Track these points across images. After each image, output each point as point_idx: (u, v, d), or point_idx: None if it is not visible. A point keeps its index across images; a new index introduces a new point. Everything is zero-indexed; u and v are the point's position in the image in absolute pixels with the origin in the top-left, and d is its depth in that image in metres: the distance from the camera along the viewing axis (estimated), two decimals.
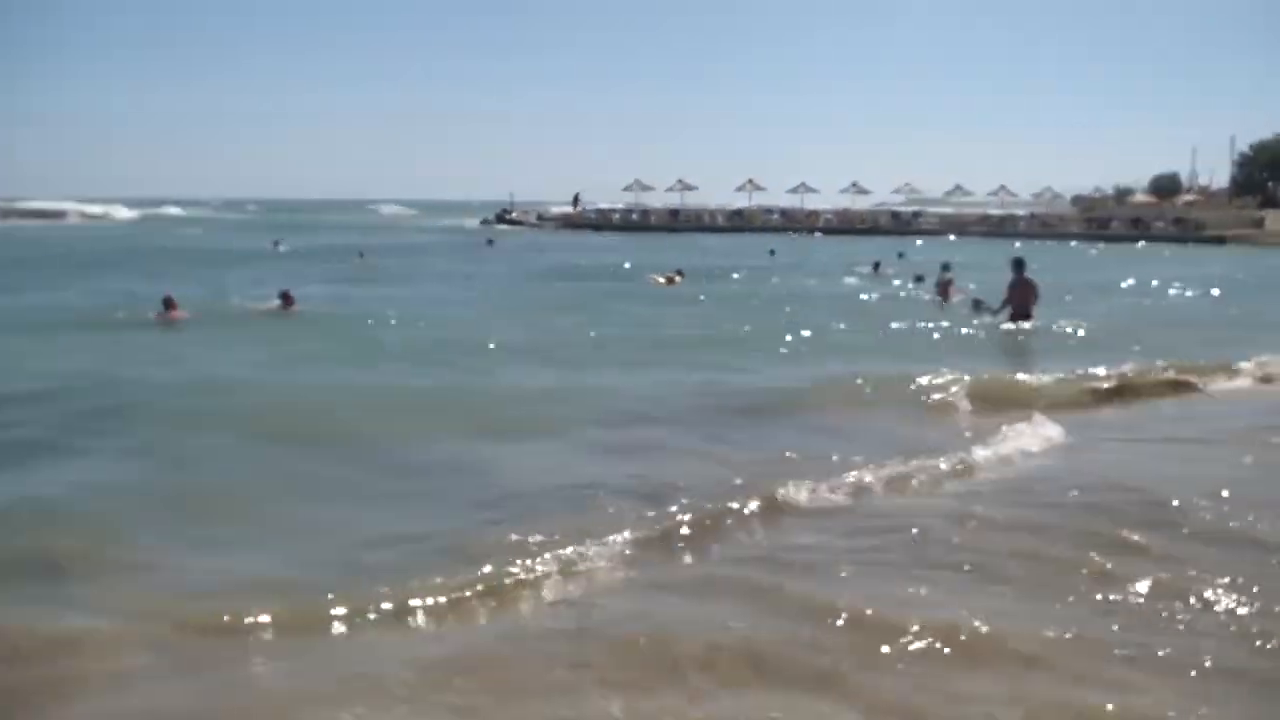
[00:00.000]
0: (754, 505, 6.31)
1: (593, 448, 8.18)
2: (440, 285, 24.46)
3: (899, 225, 60.43)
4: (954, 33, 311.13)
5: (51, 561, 5.46)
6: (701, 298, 21.49)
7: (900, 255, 33.82)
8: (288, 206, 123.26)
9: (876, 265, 29.31)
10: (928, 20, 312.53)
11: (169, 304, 15.86)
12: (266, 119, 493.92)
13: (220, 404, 9.50)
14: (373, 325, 15.97)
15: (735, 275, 28.47)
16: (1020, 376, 11.15)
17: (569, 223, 65.14)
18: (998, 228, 58.27)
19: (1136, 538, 5.60)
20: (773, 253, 37.62)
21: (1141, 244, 50.07)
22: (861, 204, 66.25)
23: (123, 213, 79.67)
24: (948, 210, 65.64)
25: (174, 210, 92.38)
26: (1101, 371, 11.07)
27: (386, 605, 4.82)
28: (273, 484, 7.10)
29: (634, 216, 64.96)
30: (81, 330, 14.59)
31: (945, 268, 23.17)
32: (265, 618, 4.69)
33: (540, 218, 68.38)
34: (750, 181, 65.89)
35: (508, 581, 5.09)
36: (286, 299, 17.16)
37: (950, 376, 10.30)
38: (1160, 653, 4.28)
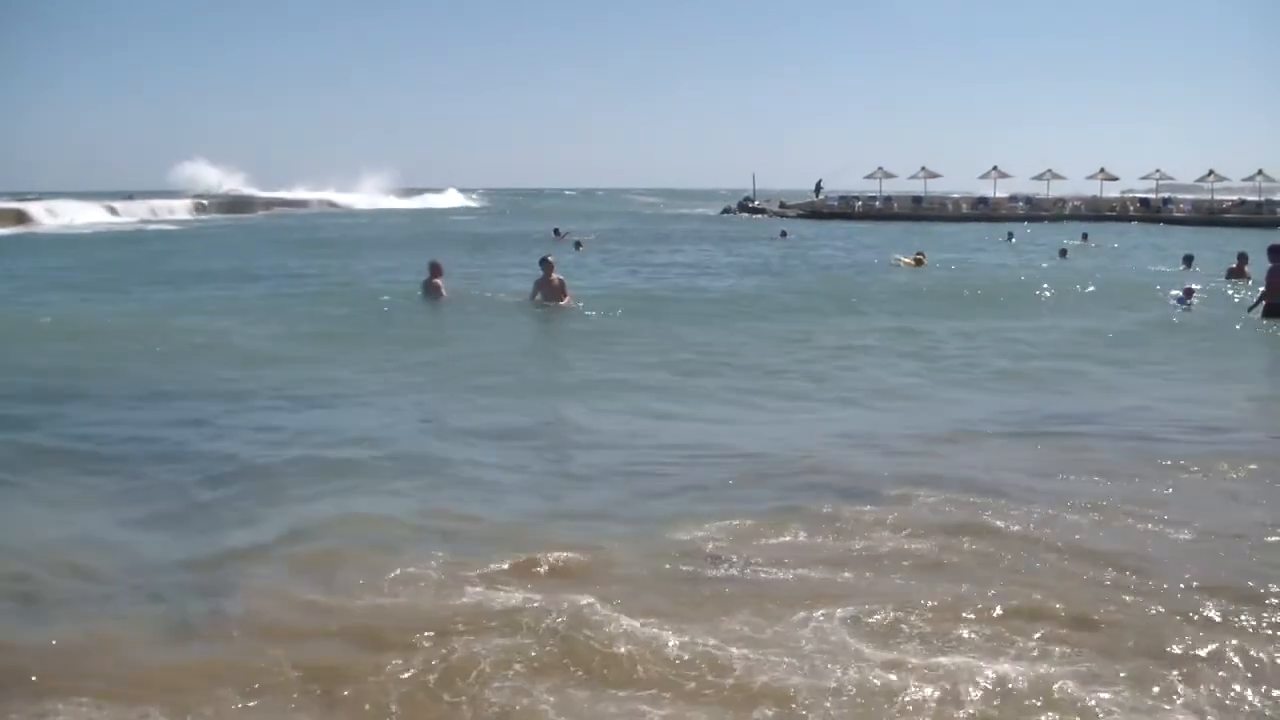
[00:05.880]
0: None
1: None
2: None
3: (1148, 212, 60.66)
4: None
5: None
6: None
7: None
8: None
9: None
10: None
11: None
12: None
13: None
14: None
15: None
16: None
17: (812, 211, 68.05)
18: (1254, 214, 57.68)
19: None
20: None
21: None
22: (1110, 191, 66.50)
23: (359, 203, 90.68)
24: (1200, 196, 65.04)
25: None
26: None
27: None
28: None
29: (876, 204, 67.46)
30: None
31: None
32: None
33: (783, 205, 71.74)
34: (995, 169, 66.90)
35: None
36: None
37: None
38: None
